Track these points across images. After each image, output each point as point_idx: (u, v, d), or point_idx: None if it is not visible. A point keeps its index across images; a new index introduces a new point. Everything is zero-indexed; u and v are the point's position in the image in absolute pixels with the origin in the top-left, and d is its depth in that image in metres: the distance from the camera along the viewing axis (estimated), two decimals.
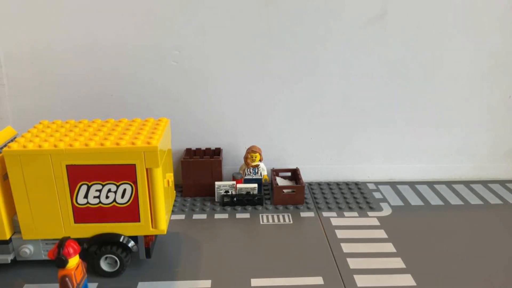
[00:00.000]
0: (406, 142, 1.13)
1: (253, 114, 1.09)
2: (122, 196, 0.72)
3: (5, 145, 0.78)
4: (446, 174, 1.16)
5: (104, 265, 0.76)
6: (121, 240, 0.75)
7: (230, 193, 1.01)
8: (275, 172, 1.10)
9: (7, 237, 0.74)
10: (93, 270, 0.76)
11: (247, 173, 1.04)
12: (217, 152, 1.09)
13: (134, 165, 0.70)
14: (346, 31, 1.02)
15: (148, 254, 0.77)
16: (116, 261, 0.75)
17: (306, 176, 1.12)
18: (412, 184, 1.13)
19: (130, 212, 0.73)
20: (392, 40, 1.03)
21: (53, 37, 1.00)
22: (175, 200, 1.03)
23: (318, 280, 0.75)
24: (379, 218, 0.96)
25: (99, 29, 1.00)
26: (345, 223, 0.94)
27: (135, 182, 0.72)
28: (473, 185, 1.12)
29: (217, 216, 0.97)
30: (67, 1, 0.98)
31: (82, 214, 0.73)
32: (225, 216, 0.97)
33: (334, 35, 1.02)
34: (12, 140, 0.80)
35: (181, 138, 1.09)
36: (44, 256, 0.76)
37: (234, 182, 1.01)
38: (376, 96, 1.08)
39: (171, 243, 0.86)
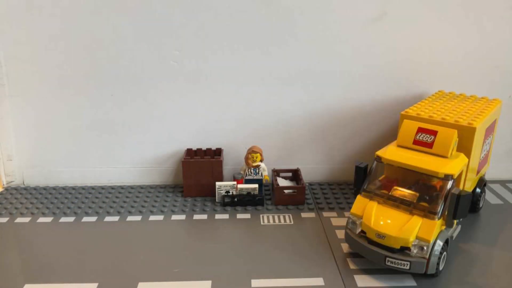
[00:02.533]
0: None
1: (254, 114, 1.09)
2: None
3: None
4: None
5: None
6: None
7: (230, 193, 1.01)
8: (276, 173, 1.10)
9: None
10: None
11: (248, 173, 1.04)
12: (218, 152, 1.08)
13: None
14: (346, 31, 1.02)
15: None
16: None
17: (307, 177, 1.11)
18: None
19: None
20: (391, 40, 1.03)
21: (53, 37, 1.00)
22: (175, 200, 1.03)
23: (319, 281, 0.75)
24: None
25: (99, 29, 1.00)
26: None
27: None
28: None
29: (217, 216, 0.97)
30: (67, 1, 0.98)
31: None
32: (225, 216, 0.97)
33: (334, 35, 1.02)
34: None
35: (182, 138, 1.09)
36: None
37: (235, 183, 1.01)
38: (376, 96, 1.07)
39: (171, 243, 0.87)
